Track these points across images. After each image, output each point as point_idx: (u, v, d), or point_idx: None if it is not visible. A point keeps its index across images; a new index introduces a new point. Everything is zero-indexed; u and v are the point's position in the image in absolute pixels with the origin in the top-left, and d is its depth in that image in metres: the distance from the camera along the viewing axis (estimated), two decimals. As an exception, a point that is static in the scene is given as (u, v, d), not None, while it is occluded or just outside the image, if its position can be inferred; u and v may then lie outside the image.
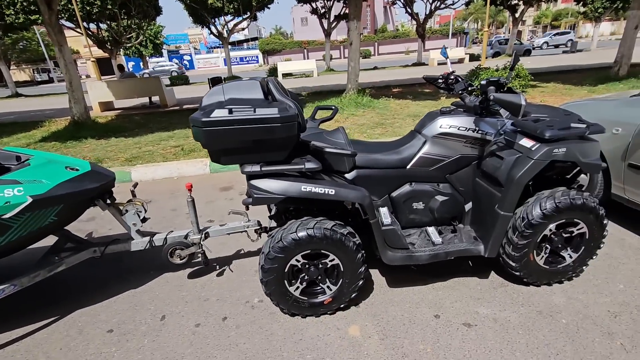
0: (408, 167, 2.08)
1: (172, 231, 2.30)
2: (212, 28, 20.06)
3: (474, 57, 22.02)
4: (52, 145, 6.24)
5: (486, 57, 16.10)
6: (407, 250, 1.95)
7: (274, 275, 1.80)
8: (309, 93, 10.89)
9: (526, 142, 1.83)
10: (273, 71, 20.75)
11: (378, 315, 1.95)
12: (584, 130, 1.80)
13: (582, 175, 2.64)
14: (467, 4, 22.38)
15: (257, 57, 41.34)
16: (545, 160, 1.76)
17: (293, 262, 1.81)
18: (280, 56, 37.41)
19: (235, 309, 2.07)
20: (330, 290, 1.92)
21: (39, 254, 2.16)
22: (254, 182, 1.72)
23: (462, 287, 2.12)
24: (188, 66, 42.43)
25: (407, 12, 21.37)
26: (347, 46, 8.01)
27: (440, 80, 2.33)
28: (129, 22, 17.93)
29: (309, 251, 1.80)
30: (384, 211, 2.04)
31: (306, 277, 1.88)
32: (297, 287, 1.88)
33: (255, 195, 1.70)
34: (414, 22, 22.32)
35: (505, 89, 2.02)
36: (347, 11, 8.15)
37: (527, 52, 25.00)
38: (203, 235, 2.24)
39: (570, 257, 2.03)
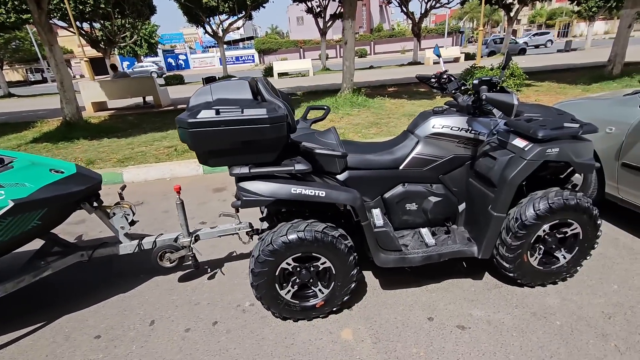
0: (401, 167, 2.05)
1: (161, 234, 2.26)
2: (207, 27, 19.95)
3: (469, 56, 22.08)
4: (44, 147, 6.15)
5: (481, 56, 16.16)
6: (399, 253, 1.93)
7: (265, 278, 1.77)
8: (305, 92, 10.85)
9: (519, 142, 1.81)
10: (269, 70, 20.69)
11: (371, 318, 1.92)
12: (577, 129, 1.78)
13: (576, 175, 2.63)
14: (462, 3, 22.41)
15: (253, 56, 41.21)
16: (538, 161, 1.74)
17: (284, 265, 1.78)
18: (276, 55, 37.30)
19: (226, 313, 2.04)
20: (322, 293, 1.88)
21: (24, 258, 2.11)
22: (243, 184, 1.68)
23: (456, 289, 2.10)
24: (183, 65, 42.24)
25: (402, 11, 21.38)
26: (343, 45, 7.98)
27: (433, 80, 2.30)
28: (122, 21, 17.77)
29: (299, 254, 1.77)
30: (376, 213, 2.01)
31: (297, 281, 1.85)
32: (289, 291, 1.85)
33: (244, 198, 1.67)
34: (410, 21, 22.34)
35: (498, 88, 1.99)
36: (342, 10, 8.11)
37: (522, 51, 25.11)
38: (193, 238, 2.20)
39: (564, 257, 2.01)
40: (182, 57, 43.04)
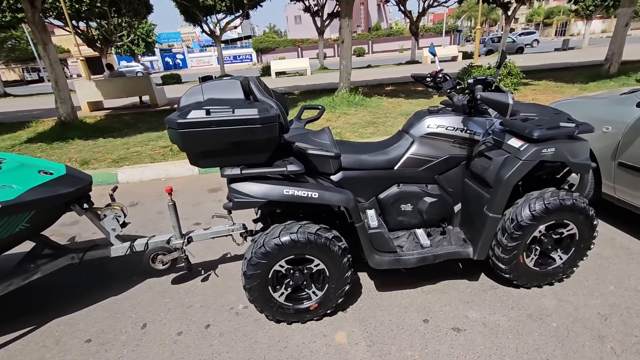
0: (396, 168, 2.03)
1: (153, 236, 2.23)
2: (204, 26, 19.85)
3: (467, 55, 22.08)
4: (38, 147, 6.10)
5: (479, 55, 16.16)
6: (394, 254, 1.91)
7: (257, 281, 1.75)
8: (302, 92, 10.82)
9: (515, 142, 1.79)
10: (266, 69, 20.63)
11: (366, 321, 1.90)
12: (573, 129, 1.76)
13: (573, 175, 2.62)
14: (459, 2, 22.38)
15: (250, 55, 41.09)
16: (534, 161, 1.72)
17: (277, 267, 1.76)
18: (274, 54, 37.21)
19: (219, 316, 2.01)
20: (316, 295, 1.86)
21: (14, 261, 2.07)
22: (235, 185, 1.65)
23: (451, 290, 2.08)
24: (181, 65, 42.09)
25: (400, 10, 21.35)
26: (340, 44, 7.95)
27: (428, 79, 2.27)
28: (119, 20, 17.69)
29: (293, 256, 1.75)
30: (371, 213, 1.99)
31: (291, 283, 1.82)
32: (282, 293, 1.82)
33: (235, 200, 1.64)
34: (408, 20, 22.31)
35: (493, 87, 1.97)
36: (339, 9, 8.08)
37: (520, 50, 25.13)
38: (186, 240, 2.17)
39: (561, 258, 1.99)
40: (179, 56, 42.90)
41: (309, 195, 1.66)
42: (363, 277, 2.24)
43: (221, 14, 19.74)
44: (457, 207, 2.12)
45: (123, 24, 18.07)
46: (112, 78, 10.84)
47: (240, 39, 47.23)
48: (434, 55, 2.37)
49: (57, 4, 13.16)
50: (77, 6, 14.76)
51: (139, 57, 35.94)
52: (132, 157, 5.12)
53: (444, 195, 2.08)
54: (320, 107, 2.42)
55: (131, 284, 2.36)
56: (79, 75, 33.21)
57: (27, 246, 2.16)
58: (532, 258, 1.96)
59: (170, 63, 42.24)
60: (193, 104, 1.59)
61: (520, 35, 30.71)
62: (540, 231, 1.88)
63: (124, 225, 2.14)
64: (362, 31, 43.96)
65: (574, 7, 24.83)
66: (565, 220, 1.88)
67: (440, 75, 2.21)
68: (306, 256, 1.76)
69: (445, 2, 21.40)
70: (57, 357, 1.80)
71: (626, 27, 8.92)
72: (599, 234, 2.05)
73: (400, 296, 2.06)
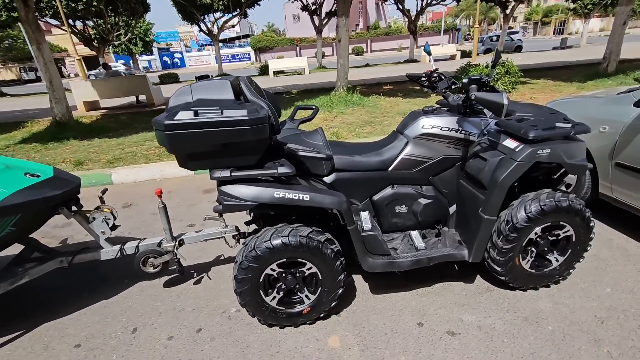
0: (390, 169, 2.00)
1: (144, 239, 2.19)
2: (202, 25, 19.77)
3: (465, 54, 22.05)
4: (33, 147, 6.05)
5: (477, 54, 16.13)
6: (388, 257, 1.88)
7: (249, 285, 1.71)
8: (299, 91, 10.78)
9: (510, 143, 1.76)
10: (264, 68, 20.55)
11: (359, 325, 1.87)
12: (569, 130, 1.73)
13: (570, 175, 2.59)
14: (458, 1, 22.35)
15: (249, 54, 40.99)
16: (529, 162, 1.69)
17: (268, 271, 1.72)
18: (273, 53, 37.12)
19: (211, 320, 1.98)
20: (309, 299, 1.83)
21: (2, 264, 2.04)
22: (224, 188, 1.62)
23: (446, 293, 2.05)
24: (179, 64, 41.96)
25: (398, 8, 21.30)
26: (337, 43, 7.90)
27: (423, 78, 2.24)
28: (116, 19, 17.60)
29: (284, 260, 1.72)
30: (364, 216, 1.96)
31: (283, 287, 1.79)
32: (274, 297, 1.79)
33: (225, 202, 1.61)
34: (406, 19, 22.26)
35: (488, 87, 1.94)
36: (336, 7, 8.04)
37: (518, 49, 25.10)
38: (177, 243, 2.13)
39: (557, 260, 1.97)
40: (177, 55, 42.76)
41: (300, 198, 1.62)
42: (357, 279, 2.21)
43: (219, 12, 19.65)
44: (452, 209, 2.09)
45: (120, 23, 17.97)
46: (107, 77, 10.77)
47: (238, 37, 47.15)
48: (429, 54, 2.34)
49: (53, 3, 13.06)
50: (73, 5, 14.67)
51: (137, 56, 35.77)
52: (127, 157, 5.08)
53: (439, 196, 2.05)
54: (314, 107, 2.39)
55: (123, 287, 2.33)
56: (76, 75, 33.05)
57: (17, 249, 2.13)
58: (528, 260, 1.93)
59: (169, 62, 42.09)
60: (182, 104, 1.55)
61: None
62: (536, 233, 1.85)
63: (113, 228, 2.10)
64: (361, 30, 43.91)
65: (572, 6, 24.85)
66: (561, 222, 1.85)
67: (435, 75, 2.18)
68: (298, 259, 1.73)
69: (444, 0, 21.35)
70: (45, 362, 1.77)
71: (624, 25, 8.90)
72: (595, 235, 2.03)
73: (394, 299, 2.04)
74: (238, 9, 19.39)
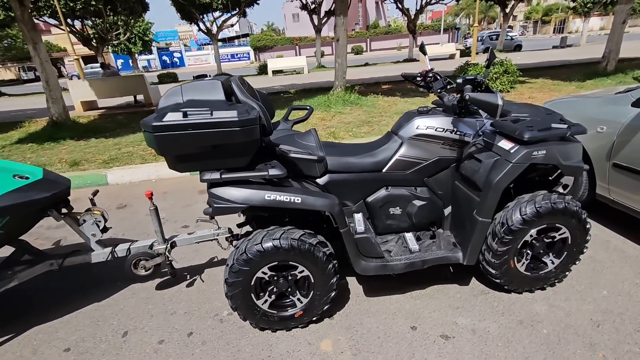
0: (384, 170, 1.97)
1: (136, 241, 2.17)
2: (201, 24, 19.71)
3: (465, 53, 22.00)
4: (29, 147, 6.02)
5: (477, 53, 16.09)
6: (381, 259, 1.85)
7: (240, 288, 1.69)
8: (298, 90, 10.74)
9: (505, 144, 1.73)
10: (263, 68, 20.51)
11: (352, 328, 1.85)
12: (565, 130, 1.71)
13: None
14: (457, 0, 22.28)
15: (248, 53, 40.93)
16: (524, 164, 1.67)
17: (259, 274, 1.70)
18: (272, 53, 37.07)
19: (203, 323, 1.96)
20: (301, 302, 1.81)
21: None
22: (214, 190, 1.60)
23: (441, 296, 2.03)
24: (178, 63, 41.90)
25: (398, 7, 21.25)
26: (335, 42, 7.87)
27: (418, 78, 2.22)
28: (114, 18, 17.55)
29: (276, 263, 1.69)
30: (358, 218, 1.94)
31: (275, 290, 1.77)
32: (266, 301, 1.77)
33: (215, 205, 1.58)
34: (406, 18, 22.21)
35: (483, 88, 1.92)
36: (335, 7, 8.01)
37: (518, 48, 25.05)
38: (169, 245, 2.11)
39: (553, 263, 1.94)
40: (176, 54, 42.71)
41: (292, 201, 1.60)
42: (351, 281, 2.19)
43: (218, 12, 19.59)
44: (447, 211, 2.07)
45: (119, 22, 17.93)
46: (105, 77, 10.74)
47: (238, 37, 47.05)
48: (425, 54, 2.31)
49: (51, 2, 13.01)
50: (71, 4, 14.62)
51: (136, 55, 35.72)
52: (123, 157, 5.05)
53: (434, 198, 2.03)
54: (308, 107, 2.36)
55: (115, 289, 2.30)
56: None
57: (8, 250, 2.10)
58: (524, 262, 1.91)
59: (168, 62, 42.06)
60: (171, 105, 1.53)
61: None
62: (531, 235, 1.83)
63: (104, 230, 2.08)
64: (360, 29, 43.83)
65: (572, 5, 24.78)
66: (557, 224, 1.82)
67: (431, 75, 2.16)
68: (290, 262, 1.70)
69: (443, -1, 21.31)
70: (33, 367, 1.75)
71: (623, 24, 8.87)
72: (592, 237, 2.00)
73: (388, 302, 2.01)
74: (237, 8, 19.33)
